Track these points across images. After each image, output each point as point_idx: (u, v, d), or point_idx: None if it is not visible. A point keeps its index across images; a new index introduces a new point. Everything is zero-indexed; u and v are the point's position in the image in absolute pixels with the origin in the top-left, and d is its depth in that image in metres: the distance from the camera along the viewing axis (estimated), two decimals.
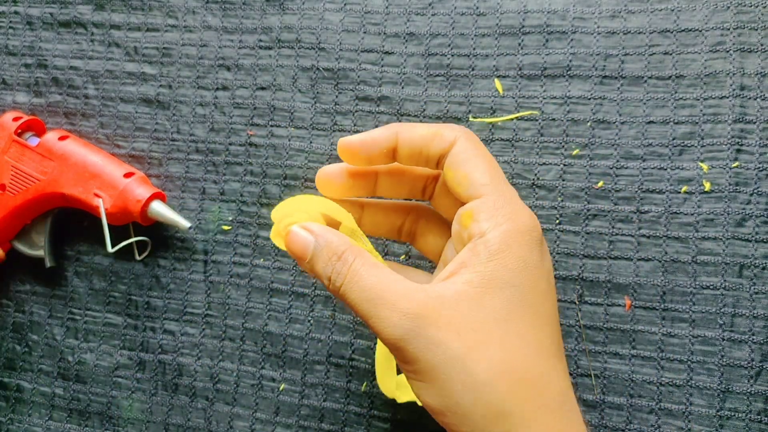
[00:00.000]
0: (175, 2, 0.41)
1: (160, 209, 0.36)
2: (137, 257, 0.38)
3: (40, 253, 0.38)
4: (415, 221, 0.30)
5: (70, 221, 0.39)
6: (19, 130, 0.38)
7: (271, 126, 0.38)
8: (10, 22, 0.42)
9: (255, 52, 0.39)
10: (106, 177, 0.36)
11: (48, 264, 0.38)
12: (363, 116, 0.37)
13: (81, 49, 0.41)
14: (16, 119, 0.38)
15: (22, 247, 0.38)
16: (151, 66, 0.40)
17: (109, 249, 0.36)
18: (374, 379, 0.34)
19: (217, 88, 0.39)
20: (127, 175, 0.37)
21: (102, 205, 0.36)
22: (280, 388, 0.35)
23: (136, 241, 0.38)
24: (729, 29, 0.34)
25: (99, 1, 0.42)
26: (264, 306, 0.36)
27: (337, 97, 0.38)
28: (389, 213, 0.30)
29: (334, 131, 0.37)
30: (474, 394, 0.22)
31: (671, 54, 0.34)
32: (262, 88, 0.39)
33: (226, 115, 0.39)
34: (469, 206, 0.25)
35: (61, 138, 0.38)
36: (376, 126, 0.37)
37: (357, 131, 0.37)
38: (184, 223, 0.36)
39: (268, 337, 0.36)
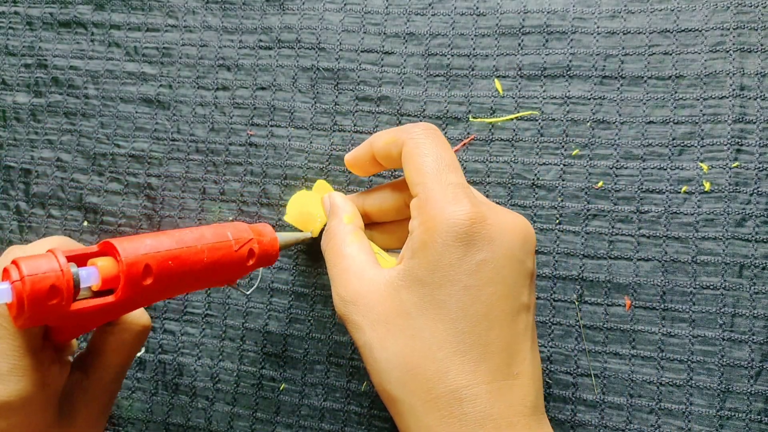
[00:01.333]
0: (175, 2, 0.41)
1: (285, 239, 0.32)
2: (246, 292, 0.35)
3: None
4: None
5: None
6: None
7: (271, 126, 0.38)
8: (10, 22, 0.42)
9: (255, 52, 0.39)
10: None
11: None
12: (363, 116, 0.37)
13: (81, 49, 0.41)
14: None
15: None
16: (151, 66, 0.40)
17: (247, 293, 0.35)
18: None
19: (217, 88, 0.39)
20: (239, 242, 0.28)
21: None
22: (281, 388, 0.35)
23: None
24: (729, 29, 0.34)
25: (99, 1, 0.42)
26: (264, 306, 0.36)
27: (337, 97, 0.38)
28: (389, 193, 0.31)
29: (334, 131, 0.37)
30: (376, 377, 0.25)
31: (671, 54, 0.34)
32: (262, 88, 0.39)
33: (226, 115, 0.39)
34: (410, 206, 0.27)
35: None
36: (376, 126, 0.37)
37: (357, 131, 0.37)
38: (306, 235, 0.34)
39: (268, 337, 0.36)
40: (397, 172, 0.36)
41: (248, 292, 0.34)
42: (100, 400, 0.29)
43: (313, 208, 0.34)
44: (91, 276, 0.23)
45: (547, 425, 0.25)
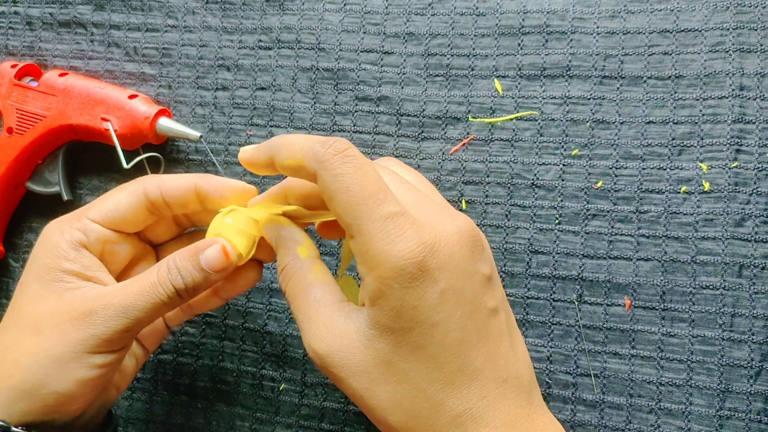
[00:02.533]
0: (175, 2, 0.41)
1: (168, 123, 0.37)
2: (149, 173, 0.37)
3: (56, 189, 0.38)
4: None
5: (81, 159, 0.40)
6: (18, 76, 0.38)
7: (271, 126, 0.38)
8: (10, 22, 0.42)
9: (255, 53, 0.39)
10: (112, 101, 0.37)
11: (65, 197, 0.38)
12: (362, 116, 0.37)
13: (81, 49, 0.41)
14: (13, 66, 0.39)
15: (36, 188, 0.38)
16: (151, 66, 0.40)
17: (124, 165, 0.36)
18: None
19: (217, 89, 0.39)
20: (131, 96, 0.37)
21: (111, 127, 0.36)
22: (280, 388, 0.35)
23: (149, 159, 0.38)
24: (729, 29, 0.34)
25: (99, 1, 0.42)
26: (264, 306, 0.36)
27: (336, 97, 0.38)
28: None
29: (333, 131, 0.37)
30: (375, 421, 0.25)
31: (671, 54, 0.34)
32: (262, 88, 0.39)
33: (226, 115, 0.39)
34: (350, 245, 0.25)
35: (61, 75, 0.38)
36: (376, 126, 0.37)
37: (356, 131, 0.37)
38: (194, 133, 0.37)
39: (268, 337, 0.36)
40: None
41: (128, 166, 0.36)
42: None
43: (245, 227, 0.29)
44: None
45: (544, 411, 0.26)
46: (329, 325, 0.25)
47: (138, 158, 0.37)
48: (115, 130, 0.36)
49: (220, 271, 0.28)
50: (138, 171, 0.37)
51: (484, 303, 0.25)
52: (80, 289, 0.28)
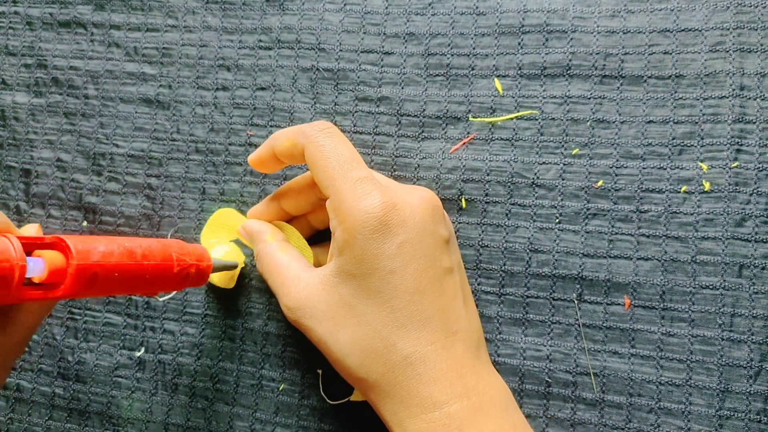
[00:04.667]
0: (175, 2, 0.41)
1: (216, 264, 0.33)
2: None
3: None
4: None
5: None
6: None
7: (271, 126, 0.38)
8: (10, 22, 0.42)
9: (255, 53, 0.39)
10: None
11: None
12: (363, 117, 0.37)
13: (81, 49, 0.41)
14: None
15: None
16: (151, 66, 0.40)
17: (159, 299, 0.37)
18: None
19: (217, 89, 0.39)
20: (180, 266, 0.30)
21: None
22: (280, 388, 0.35)
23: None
24: (729, 29, 0.34)
25: (99, 1, 0.42)
26: (263, 306, 0.36)
27: (336, 97, 0.38)
28: (303, 191, 0.34)
29: None
30: (339, 365, 0.28)
31: (671, 54, 0.34)
32: (262, 89, 0.39)
33: (226, 115, 0.39)
34: (326, 206, 0.29)
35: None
36: (376, 126, 0.37)
37: (356, 131, 0.37)
38: (235, 263, 0.35)
39: (268, 338, 0.36)
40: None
41: (162, 299, 0.36)
42: (5, 357, 0.30)
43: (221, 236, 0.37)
44: (37, 267, 0.23)
45: (490, 367, 0.30)
46: (297, 281, 0.29)
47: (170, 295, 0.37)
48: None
49: None
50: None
51: (440, 261, 0.28)
52: None
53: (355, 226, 0.27)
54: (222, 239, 0.37)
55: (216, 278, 0.36)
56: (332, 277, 0.28)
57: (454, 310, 0.28)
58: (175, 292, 0.37)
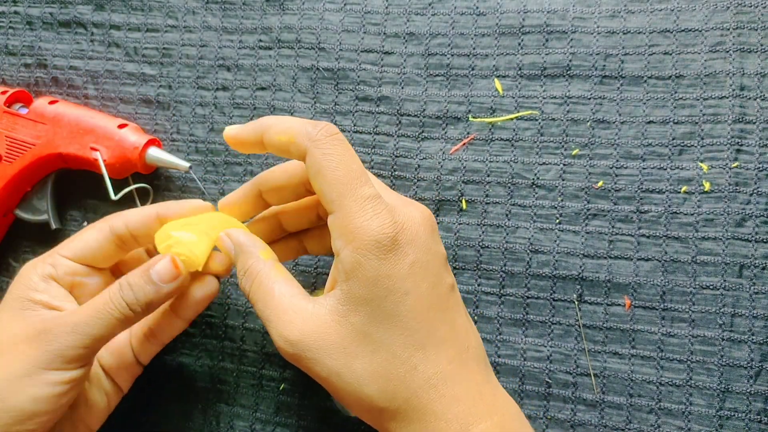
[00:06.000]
0: (175, 2, 0.41)
1: (157, 153, 0.37)
2: (138, 204, 0.37)
3: (44, 217, 0.38)
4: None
5: (70, 187, 0.40)
6: (8, 103, 0.38)
7: None
8: (10, 22, 0.42)
9: (255, 53, 0.39)
10: (101, 130, 0.37)
11: (53, 226, 0.38)
12: (363, 116, 0.37)
13: (81, 49, 0.41)
14: (3, 92, 0.39)
15: (25, 215, 0.38)
16: (151, 66, 0.40)
17: (113, 197, 0.36)
18: None
19: (217, 89, 0.39)
20: (121, 126, 0.37)
21: (100, 157, 0.36)
22: (280, 388, 0.35)
23: (138, 189, 0.38)
24: (729, 29, 0.34)
25: (99, 1, 0.42)
26: None
27: (337, 97, 0.38)
28: (301, 212, 0.33)
29: None
30: (354, 398, 0.26)
31: (671, 54, 0.34)
32: (262, 88, 0.39)
33: (226, 115, 0.39)
34: (328, 222, 0.27)
35: (51, 102, 0.38)
36: (376, 126, 0.37)
37: (357, 131, 0.37)
38: (183, 164, 0.36)
39: (268, 337, 0.36)
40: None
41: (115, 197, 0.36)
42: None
43: (198, 234, 0.30)
44: None
45: (497, 381, 0.29)
46: (299, 312, 0.27)
47: (127, 189, 0.37)
48: (104, 160, 0.36)
49: (170, 281, 0.29)
50: (127, 200, 0.37)
51: (444, 278, 0.27)
52: (42, 314, 0.29)
53: (366, 246, 0.25)
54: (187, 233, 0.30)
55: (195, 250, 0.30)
56: (341, 305, 0.26)
57: (462, 325, 0.28)
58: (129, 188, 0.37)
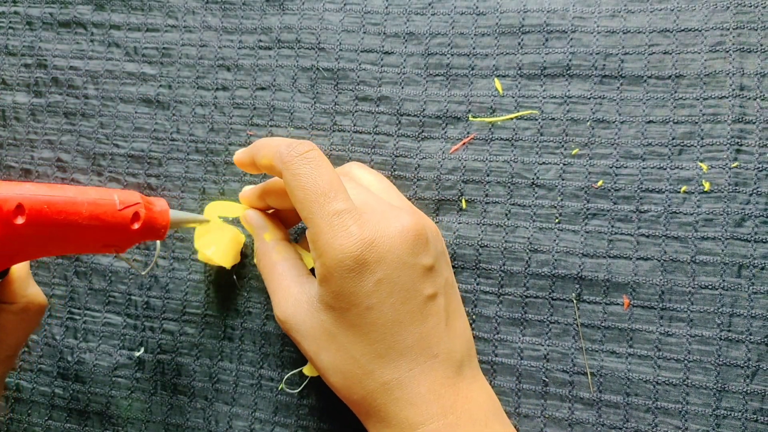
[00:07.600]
0: (175, 2, 0.41)
1: (178, 216, 0.31)
2: (156, 267, 0.37)
3: None
4: None
5: None
6: None
7: (271, 126, 0.38)
8: (10, 22, 0.42)
9: (255, 53, 0.39)
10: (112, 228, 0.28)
11: None
12: (363, 116, 0.37)
13: (81, 49, 0.41)
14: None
15: None
16: (151, 66, 0.40)
17: (143, 273, 0.36)
18: None
19: (217, 89, 0.39)
20: (123, 207, 0.28)
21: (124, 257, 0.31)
22: (279, 388, 0.35)
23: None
24: (729, 29, 0.34)
25: (99, 1, 0.42)
26: (262, 306, 0.36)
27: (336, 97, 0.38)
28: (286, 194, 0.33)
29: (333, 131, 0.37)
30: (324, 379, 0.29)
31: (671, 54, 0.34)
32: (262, 89, 0.39)
33: (226, 115, 0.39)
34: (306, 234, 0.29)
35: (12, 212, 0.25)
36: (376, 126, 0.37)
37: (356, 131, 0.37)
38: (201, 218, 0.34)
39: (267, 337, 0.36)
40: None
41: (144, 272, 0.35)
42: None
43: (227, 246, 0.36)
44: None
45: (473, 380, 0.29)
46: (287, 294, 0.30)
47: (154, 262, 0.36)
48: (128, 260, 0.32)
49: None
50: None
51: (420, 292, 0.28)
52: None
53: (331, 264, 0.27)
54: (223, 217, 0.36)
55: (217, 257, 0.34)
56: (316, 302, 0.29)
57: (435, 335, 0.28)
58: (156, 260, 0.34)
